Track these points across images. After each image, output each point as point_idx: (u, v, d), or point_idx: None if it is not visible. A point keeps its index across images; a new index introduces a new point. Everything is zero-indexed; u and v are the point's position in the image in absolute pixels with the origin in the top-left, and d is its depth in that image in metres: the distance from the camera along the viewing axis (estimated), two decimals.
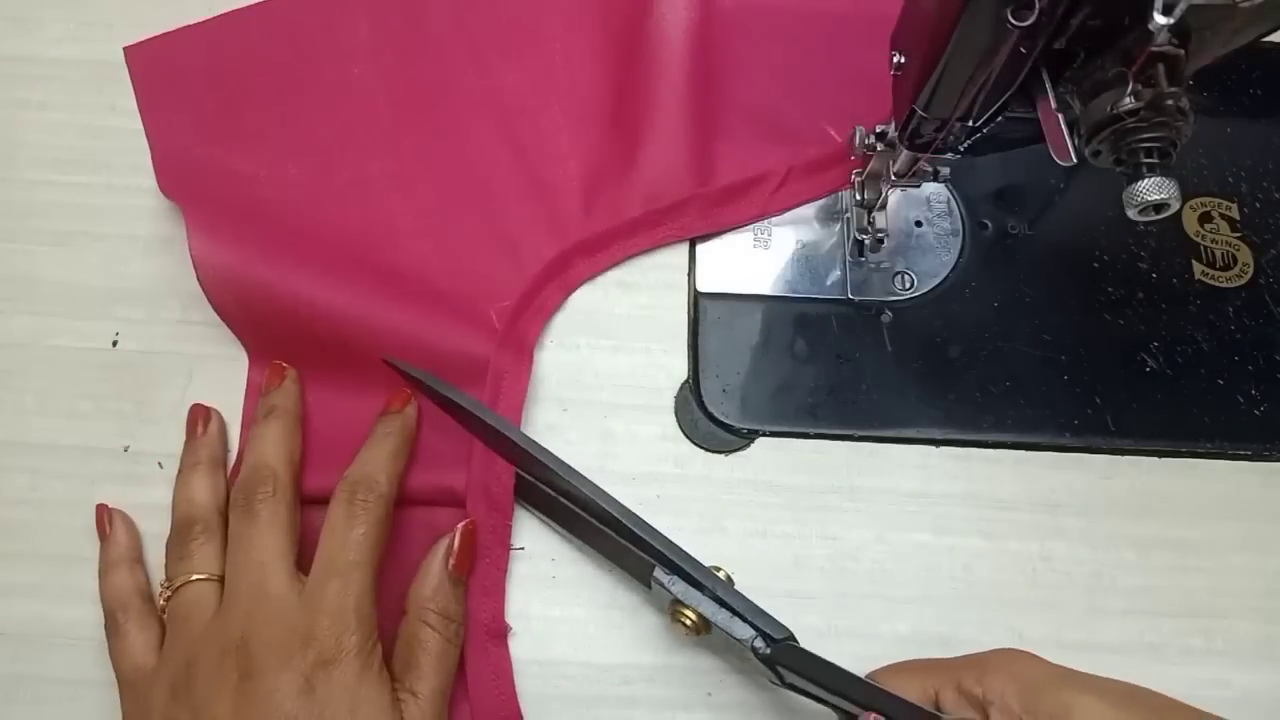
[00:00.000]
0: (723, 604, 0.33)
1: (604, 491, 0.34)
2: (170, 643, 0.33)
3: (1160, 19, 0.25)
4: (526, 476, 0.38)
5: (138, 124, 0.44)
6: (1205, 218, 0.44)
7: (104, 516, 0.38)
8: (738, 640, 0.32)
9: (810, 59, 0.46)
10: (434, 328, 0.39)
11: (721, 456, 0.40)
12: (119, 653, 0.34)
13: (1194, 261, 0.44)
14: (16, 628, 0.37)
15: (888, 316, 0.42)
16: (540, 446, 0.34)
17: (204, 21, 0.45)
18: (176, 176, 0.41)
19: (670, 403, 0.41)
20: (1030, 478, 0.40)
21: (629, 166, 0.43)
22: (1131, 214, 0.29)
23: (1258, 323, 0.43)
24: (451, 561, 0.35)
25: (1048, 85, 0.30)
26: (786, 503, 0.39)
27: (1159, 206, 0.28)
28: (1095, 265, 0.43)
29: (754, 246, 0.43)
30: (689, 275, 0.43)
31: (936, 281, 0.43)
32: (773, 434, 0.40)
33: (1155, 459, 0.41)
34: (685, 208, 0.42)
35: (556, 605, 0.38)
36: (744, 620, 0.32)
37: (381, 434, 0.37)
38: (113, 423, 0.40)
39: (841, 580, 0.39)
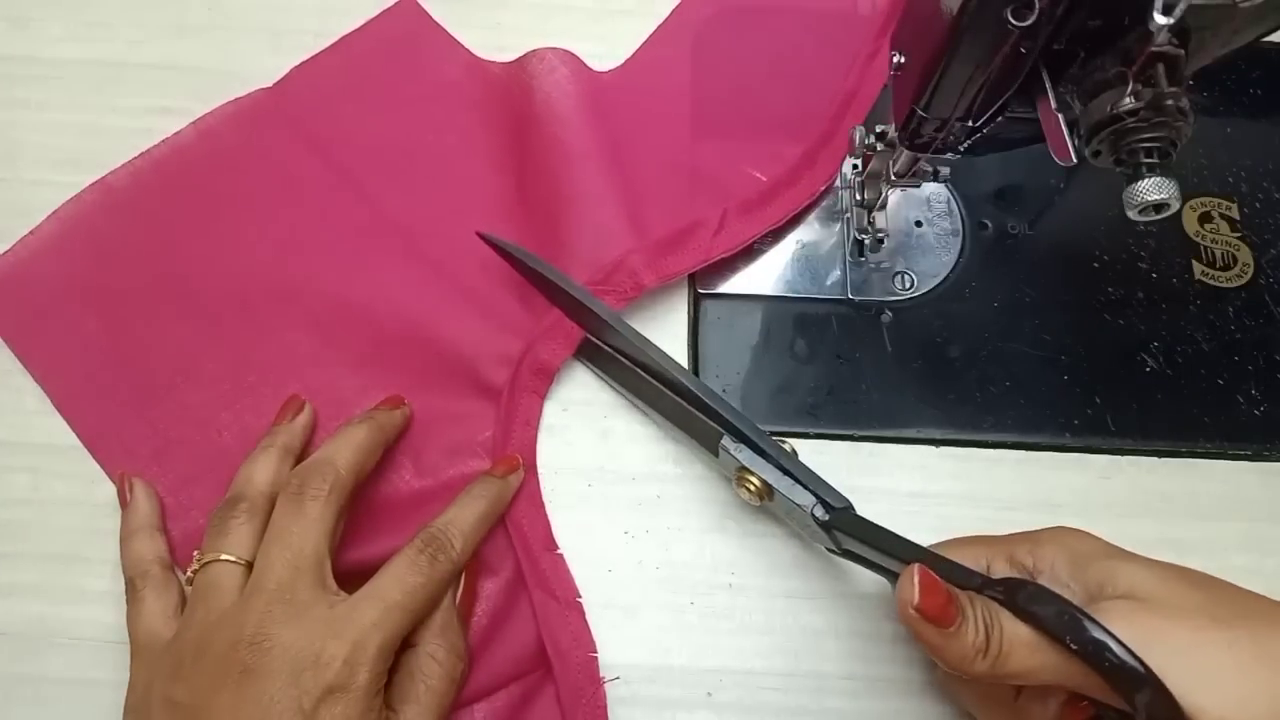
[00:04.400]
0: (786, 472, 0.34)
1: (678, 364, 0.36)
2: (186, 619, 0.33)
3: (1160, 19, 0.25)
4: (604, 346, 0.39)
5: (137, 124, 0.44)
6: (1205, 218, 0.44)
7: (125, 484, 0.37)
8: (798, 506, 0.33)
9: (713, 107, 0.45)
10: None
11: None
12: (135, 618, 0.34)
13: (1194, 261, 0.44)
14: (17, 628, 0.37)
15: (888, 316, 0.42)
16: (619, 317, 0.37)
17: (47, 222, 0.42)
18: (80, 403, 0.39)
19: None
20: (1030, 478, 0.40)
21: (561, 248, 0.41)
22: (1131, 214, 0.29)
23: (1258, 323, 0.43)
24: (458, 595, 0.36)
25: (1048, 85, 0.30)
26: None
27: (1159, 206, 0.28)
28: (1095, 265, 0.43)
29: (754, 246, 0.43)
30: (689, 275, 0.43)
31: (936, 281, 0.43)
32: (773, 434, 0.40)
33: (1155, 459, 0.41)
34: (626, 263, 0.40)
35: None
36: (805, 488, 0.34)
37: (475, 495, 0.36)
38: None
39: (842, 580, 0.39)
